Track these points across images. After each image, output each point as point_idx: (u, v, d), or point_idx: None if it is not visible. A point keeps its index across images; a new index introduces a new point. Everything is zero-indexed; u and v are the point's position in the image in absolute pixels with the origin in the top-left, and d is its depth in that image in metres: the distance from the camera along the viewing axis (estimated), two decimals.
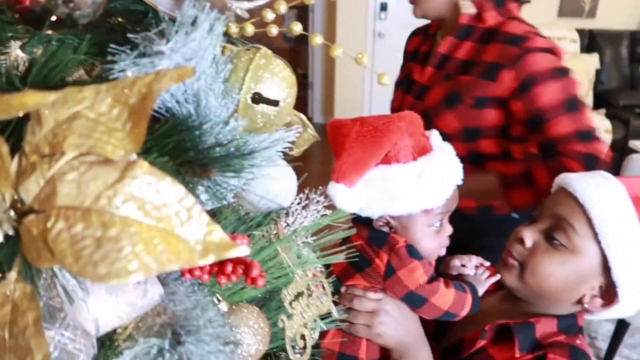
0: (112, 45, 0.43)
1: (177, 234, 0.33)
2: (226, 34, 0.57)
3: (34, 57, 0.48)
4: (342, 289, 0.88)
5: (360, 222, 0.86)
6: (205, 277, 0.50)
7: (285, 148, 0.58)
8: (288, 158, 0.65)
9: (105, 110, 0.33)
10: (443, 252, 0.91)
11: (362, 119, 0.83)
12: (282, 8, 0.56)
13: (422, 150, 0.83)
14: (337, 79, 5.45)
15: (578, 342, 0.85)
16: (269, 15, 0.57)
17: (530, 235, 0.88)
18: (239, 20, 0.64)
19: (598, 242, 0.81)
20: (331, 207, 0.82)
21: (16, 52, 0.50)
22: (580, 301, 0.87)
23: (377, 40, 5.02)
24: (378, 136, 0.79)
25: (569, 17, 5.33)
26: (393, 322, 0.84)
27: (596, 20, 5.44)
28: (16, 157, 0.32)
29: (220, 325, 0.41)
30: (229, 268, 0.47)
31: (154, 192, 0.33)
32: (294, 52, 6.94)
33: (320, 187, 0.86)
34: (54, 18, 0.40)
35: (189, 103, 0.46)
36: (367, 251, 0.85)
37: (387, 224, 0.86)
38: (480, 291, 0.90)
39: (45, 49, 0.46)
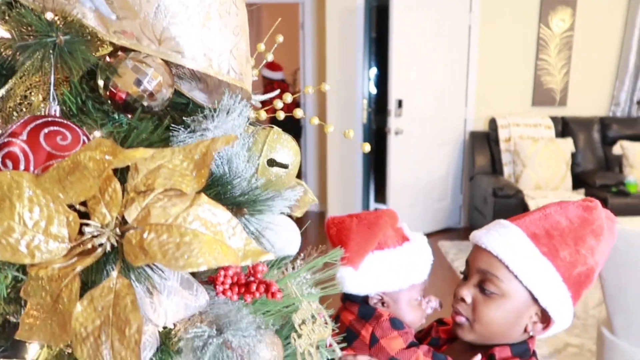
0: (173, 125, 0.61)
1: (227, 243, 0.49)
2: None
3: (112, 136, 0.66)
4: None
5: (351, 300, 1.06)
6: (235, 297, 0.64)
7: (290, 207, 0.75)
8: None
9: (179, 163, 0.51)
10: (424, 321, 1.11)
11: (356, 215, 1.07)
12: (289, 98, 0.75)
13: (403, 237, 1.06)
14: (329, 163, 5.70)
15: None
16: (279, 104, 0.76)
17: (467, 293, 1.03)
18: (254, 107, 0.83)
19: (519, 281, 0.97)
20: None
21: (94, 133, 0.69)
22: (525, 330, 1.01)
23: (393, 137, 4.90)
24: (372, 228, 1.02)
25: (542, 106, 5.75)
26: None
27: (567, 108, 5.86)
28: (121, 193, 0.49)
29: (252, 318, 0.55)
30: (254, 287, 0.62)
31: (211, 215, 0.49)
32: None
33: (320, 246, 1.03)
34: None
35: (224, 165, 0.63)
36: (355, 326, 1.04)
37: (381, 299, 1.05)
38: None
39: (118, 130, 0.65)
